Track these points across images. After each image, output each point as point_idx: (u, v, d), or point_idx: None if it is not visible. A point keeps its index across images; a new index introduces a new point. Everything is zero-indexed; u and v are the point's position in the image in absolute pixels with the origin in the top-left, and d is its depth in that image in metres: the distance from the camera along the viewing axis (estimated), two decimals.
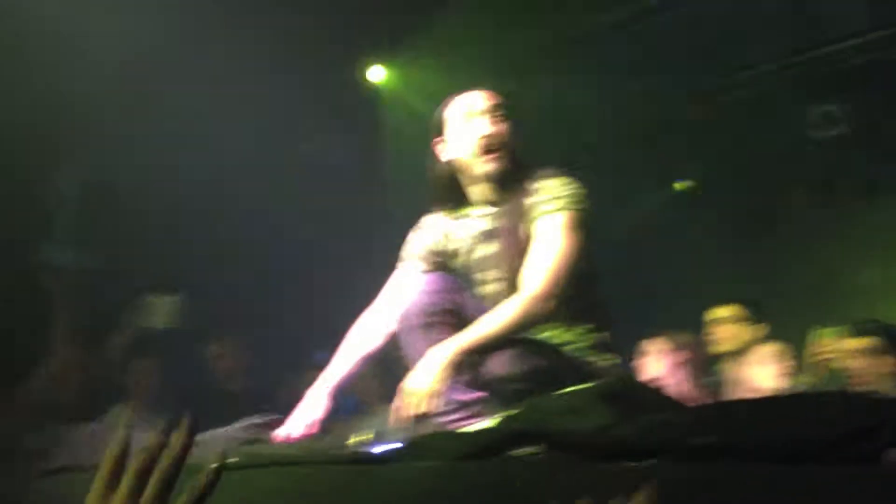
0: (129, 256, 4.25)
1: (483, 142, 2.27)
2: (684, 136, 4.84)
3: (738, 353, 3.62)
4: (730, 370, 3.65)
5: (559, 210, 2.19)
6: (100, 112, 4.09)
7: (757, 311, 3.68)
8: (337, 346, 2.44)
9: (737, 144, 4.69)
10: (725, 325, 3.68)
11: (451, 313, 2.18)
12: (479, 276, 2.36)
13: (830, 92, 4.40)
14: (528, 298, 2.10)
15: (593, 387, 1.48)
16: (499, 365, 2.09)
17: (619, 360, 2.32)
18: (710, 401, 3.32)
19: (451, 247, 2.42)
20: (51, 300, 3.53)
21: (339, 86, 4.91)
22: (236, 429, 2.17)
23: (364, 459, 1.46)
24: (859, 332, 3.19)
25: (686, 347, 3.60)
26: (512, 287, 2.19)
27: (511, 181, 2.28)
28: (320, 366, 2.50)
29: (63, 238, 4.23)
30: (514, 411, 1.55)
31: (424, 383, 1.98)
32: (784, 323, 3.76)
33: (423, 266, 2.44)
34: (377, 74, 5.07)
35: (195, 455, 0.85)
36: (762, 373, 3.48)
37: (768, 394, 3.36)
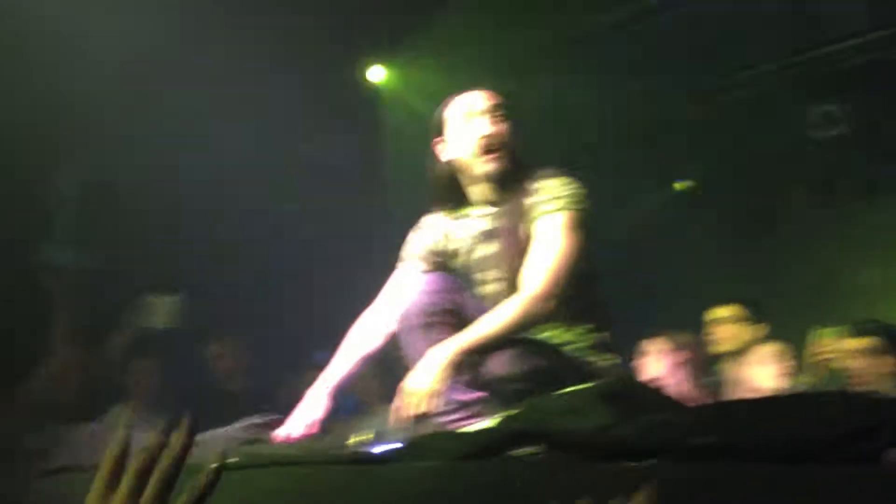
0: (129, 256, 4.25)
1: (483, 142, 2.27)
2: (684, 136, 4.83)
3: (738, 353, 3.62)
4: (730, 370, 3.65)
5: (559, 210, 2.19)
6: (100, 112, 4.09)
7: (757, 311, 3.68)
8: (337, 346, 2.44)
9: (737, 144, 4.69)
10: (725, 325, 3.68)
11: (450, 313, 2.18)
12: (478, 276, 2.36)
13: (830, 92, 4.40)
14: (528, 298, 2.10)
15: (593, 387, 1.48)
16: (499, 365, 2.09)
17: (619, 361, 2.32)
18: (710, 401, 3.32)
19: (451, 247, 2.42)
20: (51, 300, 3.53)
21: (339, 86, 4.91)
22: (236, 429, 2.17)
23: (364, 459, 1.46)
24: (859, 332, 3.19)
25: (686, 347, 3.60)
26: (512, 287, 2.19)
27: (511, 181, 2.28)
28: (320, 366, 2.50)
29: (63, 238, 4.23)
30: (514, 411, 1.55)
31: (424, 383, 1.98)
32: (784, 323, 3.76)
33: (423, 266, 2.44)
34: (377, 74, 5.07)
35: (195, 455, 0.85)
36: (762, 373, 3.48)
37: (768, 394, 3.36)
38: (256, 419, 2.27)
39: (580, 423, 1.27)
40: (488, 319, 2.09)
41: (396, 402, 2.03)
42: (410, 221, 2.54)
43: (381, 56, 5.02)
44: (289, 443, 2.22)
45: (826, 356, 3.30)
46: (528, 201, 2.24)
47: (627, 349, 3.61)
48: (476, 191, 2.35)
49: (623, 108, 4.80)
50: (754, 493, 0.94)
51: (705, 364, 3.69)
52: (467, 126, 2.31)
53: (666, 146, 4.89)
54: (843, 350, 3.22)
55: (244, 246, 4.60)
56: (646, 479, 0.91)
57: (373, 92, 5.08)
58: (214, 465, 0.86)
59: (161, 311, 4.02)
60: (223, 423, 2.21)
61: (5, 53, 3.59)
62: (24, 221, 3.97)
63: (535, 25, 4.51)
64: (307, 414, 2.31)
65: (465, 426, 2.04)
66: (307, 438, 2.28)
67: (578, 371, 2.14)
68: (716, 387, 3.69)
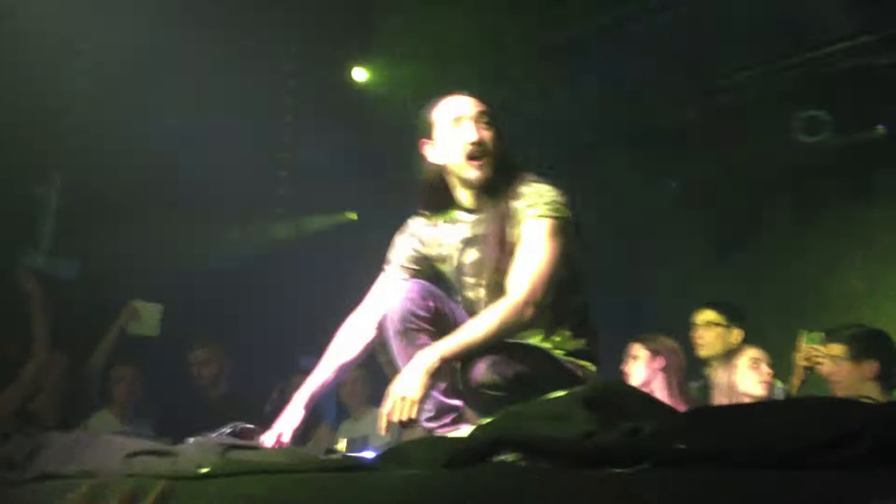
0: (113, 263, 4.22)
1: (469, 149, 2.27)
2: (684, 136, 4.81)
3: (723, 356, 3.61)
4: (715, 374, 3.65)
5: (542, 217, 2.19)
6: (98, 113, 4.08)
7: (735, 315, 3.68)
8: (323, 352, 2.44)
9: (733, 145, 4.67)
10: (708, 328, 3.68)
11: (432, 320, 2.18)
12: (465, 280, 2.36)
13: (821, 96, 4.41)
14: (511, 305, 2.10)
15: (576, 392, 1.48)
16: (481, 371, 2.09)
17: (596, 368, 2.33)
18: (694, 406, 3.33)
19: (437, 252, 2.42)
20: (32, 306, 3.50)
21: (332, 86, 4.89)
22: (220, 435, 2.17)
23: (350, 466, 1.46)
24: (842, 337, 3.21)
25: (669, 351, 3.60)
26: (495, 293, 2.19)
27: (496, 187, 2.28)
28: (306, 371, 2.49)
29: (47, 244, 4.20)
30: (496, 418, 1.55)
31: (409, 389, 1.98)
32: (770, 327, 3.77)
33: (405, 273, 2.44)
34: (369, 74, 5.02)
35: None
36: (747, 377, 3.48)
37: (752, 399, 3.37)
38: (240, 425, 2.26)
39: (563, 429, 1.27)
40: (471, 325, 2.10)
41: (382, 408, 2.03)
42: (396, 224, 2.53)
43: (374, 56, 4.97)
44: (273, 449, 2.21)
45: (810, 361, 3.31)
46: (512, 207, 2.24)
47: (620, 351, 3.61)
48: (462, 195, 2.36)
49: (622, 108, 4.79)
50: (738, 499, 0.94)
51: (687, 368, 3.67)
52: (454, 131, 2.31)
53: (664, 146, 4.87)
54: (826, 354, 3.24)
55: (232, 248, 4.59)
56: (630, 486, 0.91)
57: (365, 92, 5.02)
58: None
59: (145, 317, 4.00)
60: (207, 430, 2.21)
61: (5, 53, 3.58)
62: (7, 227, 3.95)
63: (534, 25, 4.50)
64: (290, 419, 2.31)
65: (449, 432, 2.04)
66: (291, 444, 2.27)
67: (560, 377, 2.14)
68: (701, 391, 3.70)
